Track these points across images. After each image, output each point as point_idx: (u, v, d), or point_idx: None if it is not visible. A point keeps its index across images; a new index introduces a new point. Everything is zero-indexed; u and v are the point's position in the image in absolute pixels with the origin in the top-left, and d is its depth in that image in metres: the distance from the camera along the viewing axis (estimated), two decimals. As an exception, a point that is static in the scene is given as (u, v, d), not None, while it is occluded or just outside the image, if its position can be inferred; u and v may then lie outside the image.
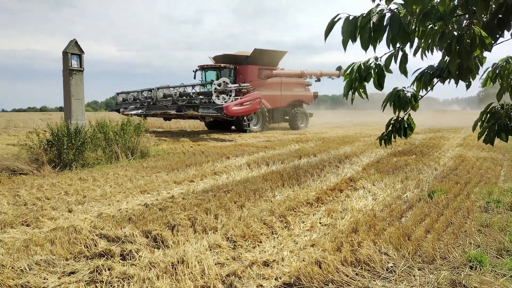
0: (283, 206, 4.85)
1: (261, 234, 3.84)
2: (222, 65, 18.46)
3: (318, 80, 22.24)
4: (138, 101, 18.77)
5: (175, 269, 2.96)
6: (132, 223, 4.12)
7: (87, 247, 3.39)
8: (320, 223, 4.27)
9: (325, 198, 5.28)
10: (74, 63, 9.01)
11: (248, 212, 4.57)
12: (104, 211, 4.72)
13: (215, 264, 3.11)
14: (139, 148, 9.53)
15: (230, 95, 15.78)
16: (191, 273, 2.90)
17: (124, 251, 3.29)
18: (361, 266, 3.02)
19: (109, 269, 2.93)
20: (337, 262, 3.03)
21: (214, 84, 15.64)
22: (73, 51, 9.08)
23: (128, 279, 2.80)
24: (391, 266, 3.03)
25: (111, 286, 2.74)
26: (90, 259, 3.18)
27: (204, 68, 19.26)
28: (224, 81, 15.88)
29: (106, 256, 3.21)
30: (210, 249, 3.44)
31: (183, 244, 3.54)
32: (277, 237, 3.82)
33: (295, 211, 4.69)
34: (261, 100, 16.40)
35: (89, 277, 2.86)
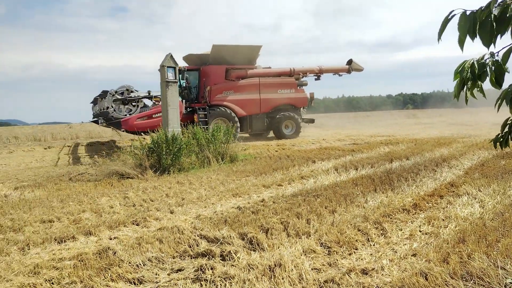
0: (377, 212, 4.66)
1: (356, 240, 3.74)
2: (179, 66, 16.16)
3: (318, 78, 18.53)
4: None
5: (272, 272, 3.03)
6: (228, 225, 4.31)
7: (190, 246, 3.64)
8: (420, 231, 4.00)
9: (424, 205, 4.94)
10: (170, 75, 9.80)
11: (340, 217, 4.47)
12: (201, 213, 5.02)
13: (312, 269, 3.11)
14: (228, 153, 9.96)
15: (138, 106, 13.30)
16: (289, 277, 2.94)
17: (224, 252, 3.46)
18: (473, 280, 2.75)
19: (211, 269, 3.11)
20: (445, 275, 2.81)
21: (111, 92, 12.95)
22: (168, 64, 9.88)
23: (230, 279, 2.94)
24: (510, 283, 2.72)
25: (214, 284, 2.90)
26: (193, 258, 3.41)
27: None
28: (127, 89, 13.28)
29: (207, 256, 3.41)
30: (305, 254, 3.44)
31: (278, 248, 3.60)
32: (374, 245, 3.68)
33: (390, 218, 4.47)
34: (181, 110, 12.92)
35: (194, 275, 3.06)
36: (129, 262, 3.29)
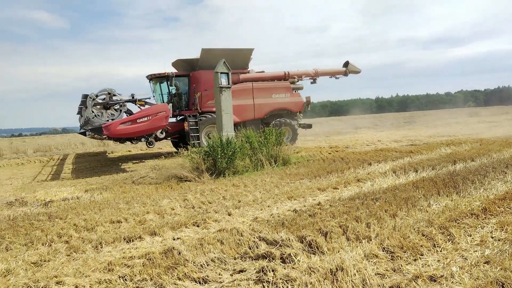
0: (442, 216, 4.43)
1: (421, 246, 3.58)
2: (166, 72, 14.60)
3: (314, 81, 17.69)
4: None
5: (334, 275, 3.00)
6: (285, 228, 4.33)
7: (250, 248, 3.71)
8: (492, 237, 3.75)
9: (495, 209, 4.61)
10: (223, 81, 10.05)
11: (402, 222, 4.32)
12: (258, 216, 5.09)
13: (375, 275, 3.03)
14: (281, 156, 9.98)
15: (121, 110, 12.25)
16: (352, 281, 2.90)
17: (283, 254, 3.48)
18: (558, 292, 2.53)
19: (272, 271, 3.15)
20: (524, 285, 2.61)
21: (92, 95, 11.87)
22: (222, 70, 10.14)
23: (291, 282, 2.95)
24: None
25: (276, 286, 2.94)
26: (254, 259, 3.47)
27: (152, 78, 15.15)
28: (109, 92, 12.26)
29: (268, 258, 3.45)
30: (367, 259, 3.37)
31: (338, 252, 3.56)
32: (441, 251, 3.50)
33: (457, 223, 4.23)
34: (168, 114, 12.00)
35: (256, 277, 3.12)
36: (194, 262, 3.42)
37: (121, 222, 5.16)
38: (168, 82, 14.53)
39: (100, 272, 3.38)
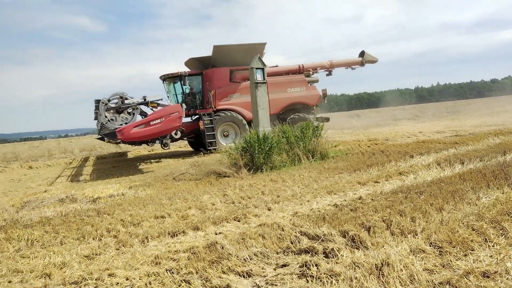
0: (493, 210, 4.21)
1: (471, 241, 3.43)
2: (178, 72, 14.38)
3: (329, 73, 17.35)
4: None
5: (380, 271, 2.94)
6: (327, 222, 4.29)
7: (292, 243, 3.72)
8: (550, 232, 3.52)
9: (552, 202, 4.32)
10: (259, 77, 10.07)
11: (449, 215, 4.14)
12: (298, 210, 5.08)
13: (423, 270, 2.94)
14: (318, 150, 9.88)
15: (134, 113, 12.01)
16: (399, 277, 2.83)
17: (326, 249, 3.46)
18: None
19: (316, 265, 3.13)
20: None
21: (104, 100, 11.75)
22: (257, 66, 10.16)
23: (336, 277, 2.93)
24: None
25: (320, 281, 2.92)
26: (297, 254, 3.47)
27: (165, 79, 15.04)
28: (120, 96, 12.06)
29: (310, 253, 3.44)
30: (414, 254, 3.27)
31: (382, 247, 3.48)
32: (493, 246, 3.34)
33: (510, 216, 4.00)
34: (181, 115, 11.69)
35: (300, 271, 3.12)
36: (237, 256, 3.48)
37: (165, 217, 5.33)
38: (182, 82, 14.46)
39: (148, 265, 3.52)
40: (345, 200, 5.42)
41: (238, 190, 6.84)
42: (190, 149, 17.20)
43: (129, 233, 4.69)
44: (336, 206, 5.12)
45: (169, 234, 4.52)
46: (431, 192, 5.19)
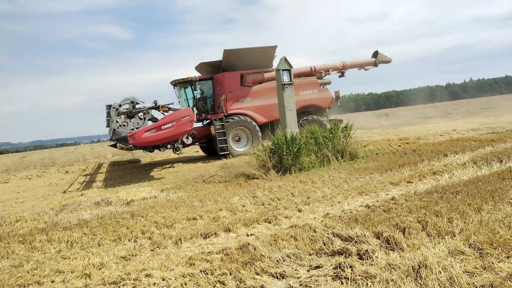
0: (536, 210, 4.02)
1: (514, 242, 3.29)
2: (189, 77, 14.16)
3: (342, 75, 16.83)
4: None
5: (417, 273, 2.87)
6: (359, 223, 4.23)
7: (325, 244, 3.69)
8: None
9: None
10: (285, 78, 10.06)
11: (489, 216, 3.99)
12: (329, 212, 5.03)
13: (463, 272, 2.84)
14: (348, 150, 9.74)
15: (145, 118, 11.75)
16: (438, 279, 2.75)
17: (360, 250, 3.41)
18: None
19: (350, 267, 3.09)
20: None
21: (115, 105, 11.48)
22: (283, 67, 10.16)
23: (371, 278, 2.88)
24: None
25: (355, 283, 2.88)
26: (330, 255, 3.44)
27: (176, 84, 14.92)
28: (131, 101, 11.79)
29: (344, 254, 3.40)
30: (452, 256, 3.17)
31: (419, 248, 3.39)
32: (538, 248, 3.18)
33: (556, 217, 3.81)
34: (192, 119, 11.52)
35: (334, 273, 3.09)
36: (270, 258, 3.49)
37: (197, 219, 5.41)
38: (192, 87, 14.29)
39: (182, 266, 3.59)
40: (377, 201, 5.32)
41: (267, 191, 6.86)
42: (201, 154, 17.21)
43: (163, 234, 4.80)
44: (368, 207, 5.03)
45: (201, 235, 4.58)
46: (468, 192, 5.01)
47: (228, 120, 14.19)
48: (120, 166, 16.93)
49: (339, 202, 5.59)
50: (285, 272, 3.18)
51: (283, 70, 10.19)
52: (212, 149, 14.95)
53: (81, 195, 9.28)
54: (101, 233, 5.20)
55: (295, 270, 3.24)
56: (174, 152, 12.16)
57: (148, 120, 11.81)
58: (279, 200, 6.15)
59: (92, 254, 4.31)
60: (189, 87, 14.66)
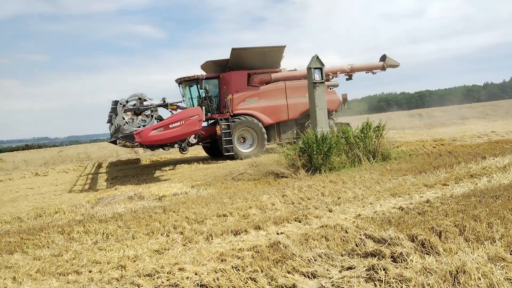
0: None
1: (561, 251, 3.11)
2: (195, 75, 13.83)
3: (349, 78, 16.23)
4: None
5: (455, 278, 2.77)
6: (393, 226, 4.13)
7: (357, 245, 3.63)
8: None
9: None
10: (317, 76, 9.97)
11: (533, 222, 3.80)
12: (361, 213, 4.95)
13: (505, 280, 2.72)
14: (379, 151, 9.54)
15: (152, 116, 11.43)
16: (477, 286, 2.65)
17: (394, 253, 3.33)
18: None
19: (384, 269, 3.03)
20: None
21: (122, 101, 11.18)
22: (315, 65, 10.08)
23: (406, 282, 2.81)
24: None
25: (389, 286, 2.83)
26: (363, 257, 3.39)
27: (181, 82, 14.59)
28: (139, 97, 11.44)
29: (377, 256, 3.33)
30: (492, 262, 3.04)
31: (456, 253, 3.28)
32: None
33: None
34: (201, 118, 11.17)
35: (366, 274, 3.04)
36: (301, 257, 3.47)
37: (227, 216, 5.47)
38: (198, 85, 13.91)
39: (214, 261, 3.64)
40: (411, 203, 5.18)
41: (297, 191, 6.83)
42: (201, 155, 17.01)
43: (194, 230, 4.88)
44: (401, 209, 4.91)
45: (232, 232, 4.63)
46: (509, 197, 4.80)
47: (234, 120, 14.00)
48: (165, 161, 17.35)
49: (371, 203, 5.49)
50: (316, 271, 3.16)
51: (314, 68, 10.11)
52: (216, 149, 14.83)
53: (115, 189, 9.58)
54: (134, 226, 5.36)
55: (327, 270, 3.21)
56: (181, 152, 12.09)
57: (155, 118, 11.62)
58: (309, 199, 6.11)
59: (127, 247, 4.45)
60: (195, 86, 14.40)
